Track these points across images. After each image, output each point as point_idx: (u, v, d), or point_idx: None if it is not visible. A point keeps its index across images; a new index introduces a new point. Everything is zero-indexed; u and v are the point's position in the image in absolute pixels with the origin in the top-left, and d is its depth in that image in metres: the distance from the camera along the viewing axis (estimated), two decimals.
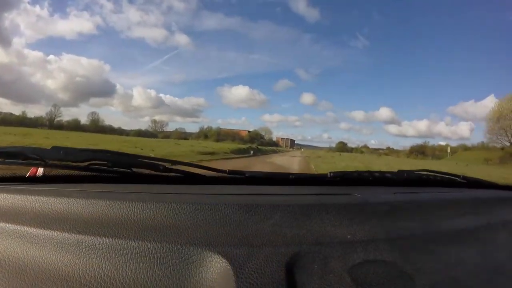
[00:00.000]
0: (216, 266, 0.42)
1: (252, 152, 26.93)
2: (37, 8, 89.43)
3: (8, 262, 0.44)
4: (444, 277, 0.48)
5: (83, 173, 0.66)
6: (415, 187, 0.87)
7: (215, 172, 0.74)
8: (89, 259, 0.43)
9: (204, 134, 68.41)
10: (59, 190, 0.57)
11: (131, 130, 68.80)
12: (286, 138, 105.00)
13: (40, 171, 0.71)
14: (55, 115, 59.03)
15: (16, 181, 0.67)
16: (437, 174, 0.90)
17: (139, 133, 63.50)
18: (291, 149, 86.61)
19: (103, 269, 0.42)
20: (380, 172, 0.83)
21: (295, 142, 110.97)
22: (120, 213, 0.49)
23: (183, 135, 68.21)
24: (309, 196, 0.69)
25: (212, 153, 19.16)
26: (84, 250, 0.44)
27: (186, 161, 0.77)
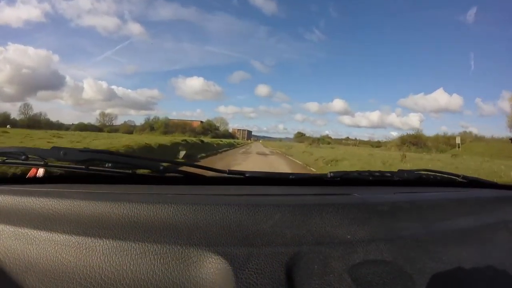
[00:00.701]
0: (216, 266, 0.42)
1: (182, 154, 10.79)
2: None
3: (9, 264, 0.44)
4: (444, 277, 0.48)
5: (83, 173, 0.65)
6: (415, 187, 0.87)
7: (215, 173, 0.73)
8: (89, 260, 0.43)
9: (150, 126, 60.56)
10: (60, 191, 0.56)
11: (72, 124, 61.48)
12: (243, 129, 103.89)
13: (41, 171, 0.71)
14: None
15: (17, 182, 0.67)
16: (437, 174, 0.90)
17: (82, 127, 56.36)
18: (249, 140, 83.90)
19: (104, 270, 0.42)
20: (380, 172, 0.83)
21: (252, 133, 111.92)
22: (121, 214, 0.49)
23: (132, 128, 62.84)
24: (309, 196, 0.68)
25: None
26: (84, 251, 0.44)
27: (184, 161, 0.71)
